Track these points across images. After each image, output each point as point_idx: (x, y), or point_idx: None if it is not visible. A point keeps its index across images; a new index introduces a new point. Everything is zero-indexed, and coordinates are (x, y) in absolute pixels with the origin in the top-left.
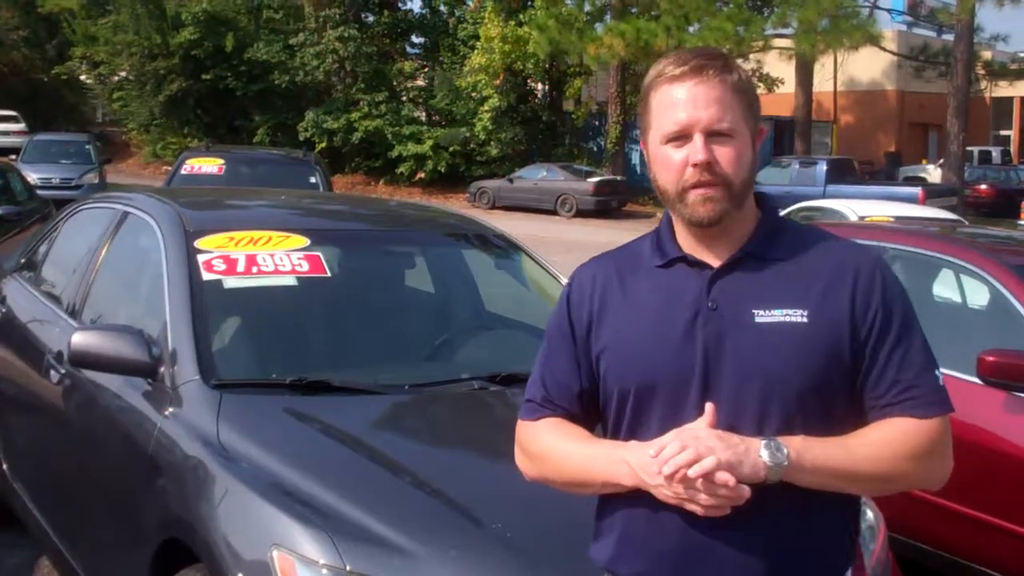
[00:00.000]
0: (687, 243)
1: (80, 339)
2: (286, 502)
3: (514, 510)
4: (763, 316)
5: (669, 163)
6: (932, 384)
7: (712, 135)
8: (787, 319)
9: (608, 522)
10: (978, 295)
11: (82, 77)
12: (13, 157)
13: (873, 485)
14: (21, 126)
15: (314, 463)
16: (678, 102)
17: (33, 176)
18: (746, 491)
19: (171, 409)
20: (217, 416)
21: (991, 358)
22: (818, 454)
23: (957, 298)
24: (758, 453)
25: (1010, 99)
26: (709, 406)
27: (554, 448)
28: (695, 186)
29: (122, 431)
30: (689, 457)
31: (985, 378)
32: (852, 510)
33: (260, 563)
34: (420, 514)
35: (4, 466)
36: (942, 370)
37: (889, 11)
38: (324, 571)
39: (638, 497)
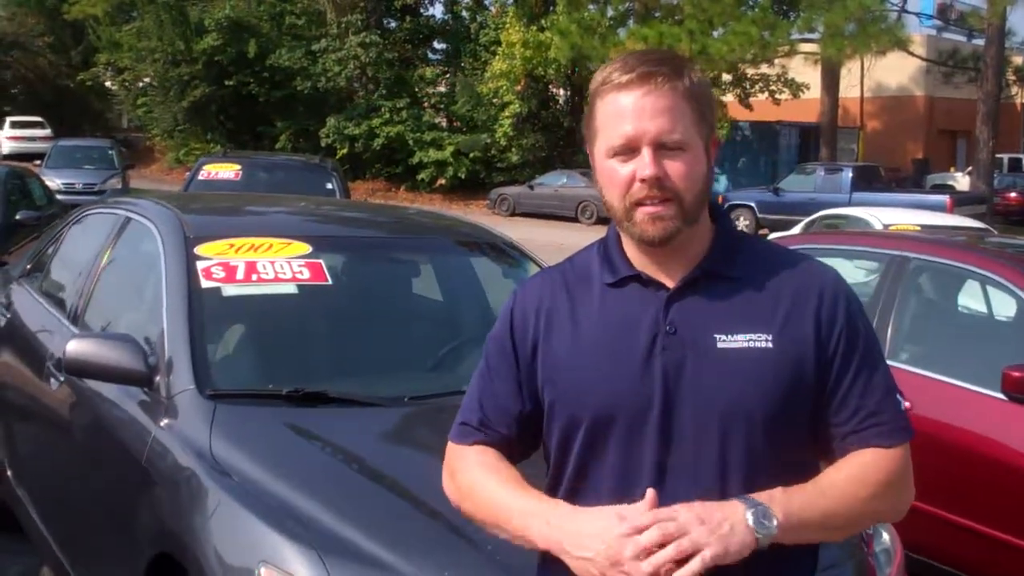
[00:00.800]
0: (638, 259)
1: (75, 347)
2: (275, 518)
3: None
4: (726, 341)
5: (615, 178)
6: (895, 409)
7: (661, 147)
8: (751, 344)
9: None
10: (1005, 307)
11: (107, 83)
12: (37, 163)
13: (848, 530)
14: (47, 132)
15: (307, 478)
16: (624, 113)
17: (57, 181)
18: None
19: (166, 420)
20: (210, 428)
21: (1017, 373)
22: (799, 510)
23: (983, 310)
24: (745, 524)
25: None
26: (649, 493)
27: (480, 487)
28: (643, 203)
29: (118, 441)
30: (671, 554)
31: (1010, 394)
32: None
33: None
34: (413, 532)
35: (8, 472)
36: (965, 384)
37: (918, 15)
38: None
39: None
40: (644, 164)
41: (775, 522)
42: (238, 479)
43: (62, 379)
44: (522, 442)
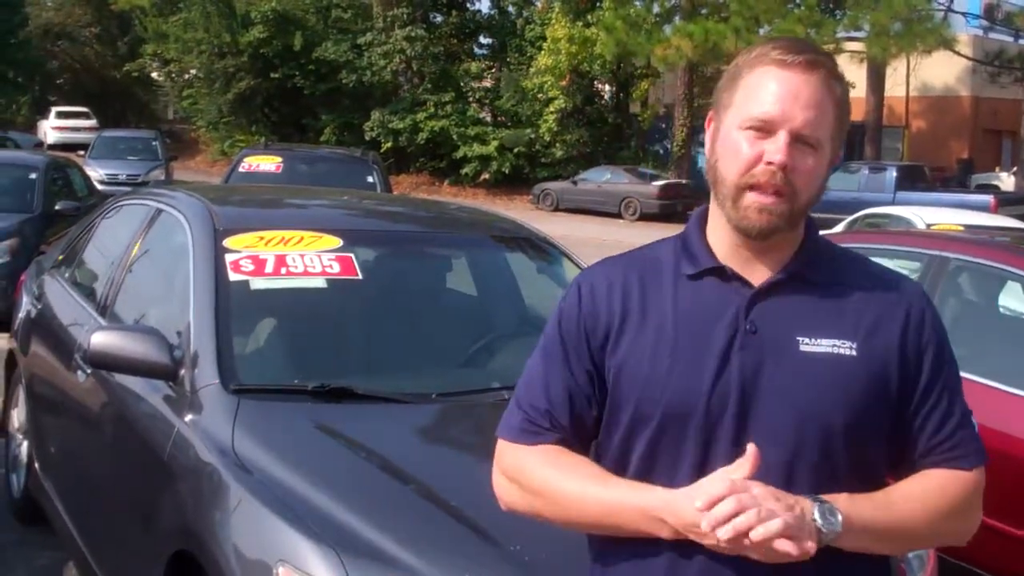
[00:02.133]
0: (724, 252)
1: (99, 339)
2: (295, 516)
3: (533, 531)
4: (809, 345)
5: (739, 151)
6: (973, 433)
7: (798, 139)
8: (835, 351)
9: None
10: None
11: (153, 74)
12: (82, 153)
13: (911, 545)
14: (92, 122)
15: (329, 476)
16: (776, 92)
17: (101, 172)
18: (811, 548)
19: (189, 415)
20: (233, 423)
21: None
22: (865, 516)
23: None
24: (812, 517)
25: None
26: (751, 449)
27: (560, 487)
28: (758, 187)
29: (141, 435)
30: (751, 521)
31: None
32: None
33: None
34: (434, 532)
35: (36, 464)
36: (1004, 387)
37: (964, 15)
38: None
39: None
40: (776, 148)
41: (839, 518)
42: (260, 476)
43: (89, 371)
44: (586, 432)
